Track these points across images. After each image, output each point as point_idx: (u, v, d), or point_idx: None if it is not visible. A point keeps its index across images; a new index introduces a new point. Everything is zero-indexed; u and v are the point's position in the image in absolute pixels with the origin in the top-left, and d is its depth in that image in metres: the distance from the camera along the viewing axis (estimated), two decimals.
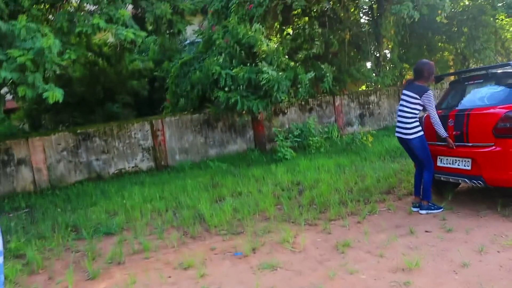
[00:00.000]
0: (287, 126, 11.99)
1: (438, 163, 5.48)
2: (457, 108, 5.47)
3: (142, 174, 10.74)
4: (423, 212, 5.27)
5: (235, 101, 9.76)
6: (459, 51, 16.82)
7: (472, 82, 5.61)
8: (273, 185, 7.64)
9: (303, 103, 12.54)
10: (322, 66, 11.55)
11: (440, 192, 5.97)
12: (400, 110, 5.34)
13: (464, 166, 5.12)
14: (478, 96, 5.43)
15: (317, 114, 12.69)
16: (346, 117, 13.30)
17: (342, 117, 13.04)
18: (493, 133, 4.76)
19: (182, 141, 11.38)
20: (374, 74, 13.94)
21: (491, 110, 4.91)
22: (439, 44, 17.37)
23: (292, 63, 10.93)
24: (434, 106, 5.16)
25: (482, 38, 15.21)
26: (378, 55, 15.45)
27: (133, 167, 10.93)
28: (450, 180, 5.31)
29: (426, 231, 4.72)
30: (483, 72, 5.51)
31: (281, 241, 4.85)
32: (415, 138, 5.19)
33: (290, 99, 11.11)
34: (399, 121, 5.34)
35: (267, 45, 9.78)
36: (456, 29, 15.98)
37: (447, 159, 5.36)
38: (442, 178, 5.43)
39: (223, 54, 10.11)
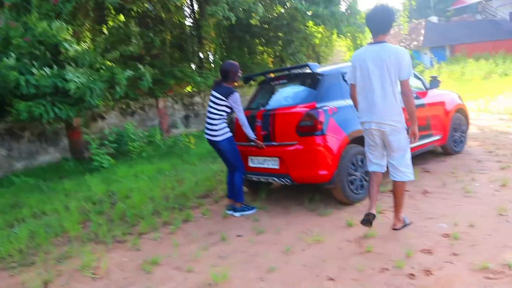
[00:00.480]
0: (108, 131, 11.00)
1: (250, 164, 5.37)
2: (264, 108, 5.43)
3: None
4: (237, 214, 5.09)
5: (39, 113, 8.50)
6: (277, 54, 17.80)
7: (278, 82, 5.65)
8: (85, 199, 6.76)
9: (124, 106, 11.69)
10: (140, 66, 10.86)
11: (255, 192, 5.91)
12: (209, 112, 5.08)
13: (273, 165, 5.08)
14: (283, 96, 5.47)
15: (140, 118, 11.98)
16: (171, 119, 12.86)
17: (166, 119, 12.54)
18: (297, 132, 4.79)
19: None
20: (197, 76, 13.77)
21: (294, 110, 4.95)
22: (259, 47, 18.12)
23: (108, 63, 10.02)
24: (241, 107, 5.00)
25: (296, 42, 16.30)
26: (202, 56, 15.40)
27: None
28: (261, 180, 5.22)
29: (238, 236, 4.50)
30: (286, 72, 5.58)
31: (81, 267, 4.13)
32: (223, 140, 4.98)
33: (108, 102, 10.19)
34: (207, 123, 5.08)
35: (71, 45, 8.71)
36: (273, 33, 16.83)
37: (257, 159, 5.27)
38: (254, 178, 5.33)
39: (22, 56, 8.70)
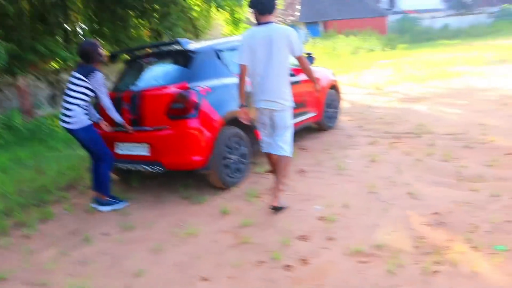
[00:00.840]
0: None
1: (117, 151, 4.79)
2: (131, 89, 4.86)
3: None
4: (103, 209, 4.51)
5: None
6: (153, 27, 16.77)
7: (147, 60, 5.08)
8: None
9: None
10: None
11: (126, 180, 5.36)
12: (66, 95, 4.36)
13: (143, 152, 4.57)
14: (152, 75, 4.97)
15: None
16: (34, 100, 11.40)
17: (28, 99, 11.10)
18: (167, 115, 4.33)
19: None
20: (64, 51, 12.35)
21: (163, 91, 4.48)
22: (133, 19, 16.91)
23: None
24: (104, 88, 4.37)
25: (173, 15, 15.44)
26: (69, 29, 13.83)
27: None
28: (131, 168, 4.70)
29: (103, 234, 3.98)
30: (156, 49, 5.05)
31: None
32: (79, 128, 4.31)
33: None
34: (63, 107, 4.36)
35: None
36: (147, 5, 15.75)
37: (125, 146, 4.72)
38: (122, 167, 4.78)
39: None
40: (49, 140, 8.41)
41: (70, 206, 4.81)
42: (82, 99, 4.28)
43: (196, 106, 4.28)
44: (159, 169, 4.43)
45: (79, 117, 4.26)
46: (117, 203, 4.57)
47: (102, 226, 4.15)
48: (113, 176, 5.10)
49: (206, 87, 4.43)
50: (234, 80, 4.70)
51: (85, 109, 4.32)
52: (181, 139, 4.29)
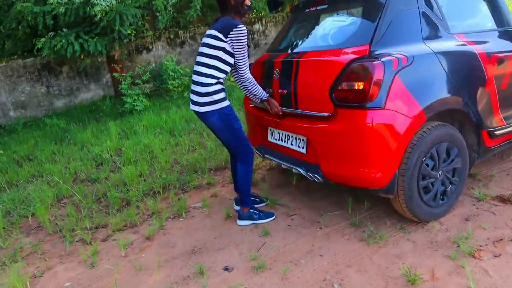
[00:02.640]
0: (153, 66, 9.31)
1: (270, 138, 3.34)
2: (289, 50, 3.24)
3: None
4: (241, 223, 3.15)
5: (61, 46, 7.08)
6: None
7: (314, 8, 3.32)
8: (91, 158, 5.27)
9: (171, 36, 9.82)
10: None
11: (282, 176, 3.92)
12: (197, 64, 2.97)
13: (298, 147, 3.01)
14: (321, 32, 3.20)
15: (190, 49, 10.08)
16: None
17: None
18: (332, 98, 2.61)
19: (16, 93, 8.47)
20: None
21: (330, 57, 2.71)
22: None
23: None
24: (246, 51, 2.87)
25: None
26: None
27: None
28: (283, 166, 3.19)
29: (226, 269, 2.64)
30: None
31: None
32: (210, 112, 2.87)
33: (146, 32, 8.40)
34: (194, 82, 3.00)
35: None
36: None
37: (278, 134, 3.22)
38: (272, 160, 3.32)
39: None
40: (237, 93, 7.54)
41: (210, 198, 3.66)
42: (217, 70, 2.85)
43: (382, 88, 2.43)
44: (316, 178, 2.80)
45: (214, 97, 2.84)
46: (260, 215, 3.15)
47: (229, 251, 2.82)
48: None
49: (401, 56, 2.50)
50: (454, 45, 2.70)
51: (221, 82, 2.90)
52: (351, 139, 2.54)
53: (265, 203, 3.40)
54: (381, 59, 2.43)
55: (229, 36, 2.75)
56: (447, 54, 2.68)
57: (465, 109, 2.77)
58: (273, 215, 3.18)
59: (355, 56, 2.55)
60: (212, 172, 4.34)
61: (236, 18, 2.85)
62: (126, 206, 3.81)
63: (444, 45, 2.71)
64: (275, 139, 3.26)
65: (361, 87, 2.44)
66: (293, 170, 3.00)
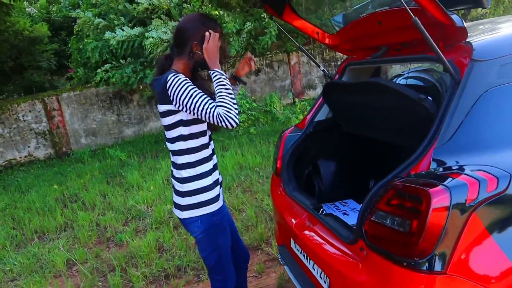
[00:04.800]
0: None
1: (292, 244, 2.37)
2: None
3: (38, 164, 8.08)
4: None
5: (117, 79, 6.89)
6: None
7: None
8: (126, 208, 4.75)
9: None
10: (264, 15, 8.02)
11: None
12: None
13: (321, 277, 2.00)
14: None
15: (266, 77, 9.35)
16: (306, 79, 9.87)
17: (300, 79, 9.65)
18: (359, 227, 1.58)
19: (88, 121, 8.45)
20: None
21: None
22: None
23: (216, 12, 7.50)
24: (190, 91, 1.74)
25: None
26: None
27: (26, 156, 8.19)
28: None
29: None
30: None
31: None
32: (192, 218, 1.93)
33: None
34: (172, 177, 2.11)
35: None
36: None
37: (303, 254, 2.23)
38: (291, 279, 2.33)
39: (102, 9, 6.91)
40: None
41: None
42: (188, 150, 1.92)
43: (444, 235, 1.33)
44: None
45: (194, 195, 1.92)
46: None
47: None
48: None
49: (485, 175, 1.39)
50: None
51: (205, 158, 1.97)
52: None
53: None
54: (446, 183, 1.36)
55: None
56: None
57: None
58: None
59: (402, 177, 1.50)
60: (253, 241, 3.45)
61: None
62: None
63: None
64: (297, 250, 2.29)
65: (407, 228, 1.39)
66: None
